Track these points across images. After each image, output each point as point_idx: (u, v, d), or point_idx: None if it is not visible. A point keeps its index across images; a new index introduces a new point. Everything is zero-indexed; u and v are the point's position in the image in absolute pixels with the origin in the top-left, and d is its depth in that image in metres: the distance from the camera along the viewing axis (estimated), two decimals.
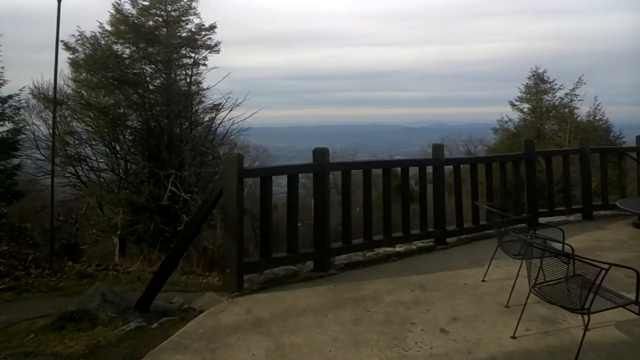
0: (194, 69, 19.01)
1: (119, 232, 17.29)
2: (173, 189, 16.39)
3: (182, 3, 19.13)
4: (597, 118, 26.50)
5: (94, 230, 18.10)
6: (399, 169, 6.77)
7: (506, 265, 5.57)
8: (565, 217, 8.45)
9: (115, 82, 17.42)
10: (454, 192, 7.16)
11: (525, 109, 27.71)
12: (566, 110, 26.70)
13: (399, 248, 6.51)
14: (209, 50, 19.25)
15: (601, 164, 8.79)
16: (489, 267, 5.36)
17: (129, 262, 12.57)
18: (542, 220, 7.98)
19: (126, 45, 18.34)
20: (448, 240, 6.92)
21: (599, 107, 25.77)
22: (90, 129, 18.27)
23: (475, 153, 43.50)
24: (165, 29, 18.71)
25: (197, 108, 19.17)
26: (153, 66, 18.55)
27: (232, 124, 19.52)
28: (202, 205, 5.52)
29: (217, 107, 19.23)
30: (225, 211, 5.03)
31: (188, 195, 16.34)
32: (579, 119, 25.88)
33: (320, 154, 5.72)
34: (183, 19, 19.22)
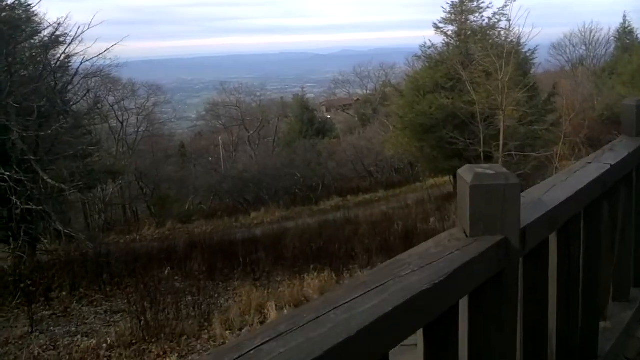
0: None
1: None
2: None
3: None
4: (508, 40, 22.67)
5: None
6: None
7: None
8: None
9: None
10: None
11: (450, 32, 23.06)
12: (494, 31, 22.41)
13: None
14: None
15: None
16: None
17: None
18: None
19: None
20: None
21: (511, 28, 21.50)
22: None
23: (388, 80, 39.05)
24: None
25: (28, 43, 12.66)
26: None
27: (84, 60, 13.25)
28: None
29: (59, 40, 12.83)
30: None
31: (14, 171, 10.39)
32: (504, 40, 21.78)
33: None
34: None
